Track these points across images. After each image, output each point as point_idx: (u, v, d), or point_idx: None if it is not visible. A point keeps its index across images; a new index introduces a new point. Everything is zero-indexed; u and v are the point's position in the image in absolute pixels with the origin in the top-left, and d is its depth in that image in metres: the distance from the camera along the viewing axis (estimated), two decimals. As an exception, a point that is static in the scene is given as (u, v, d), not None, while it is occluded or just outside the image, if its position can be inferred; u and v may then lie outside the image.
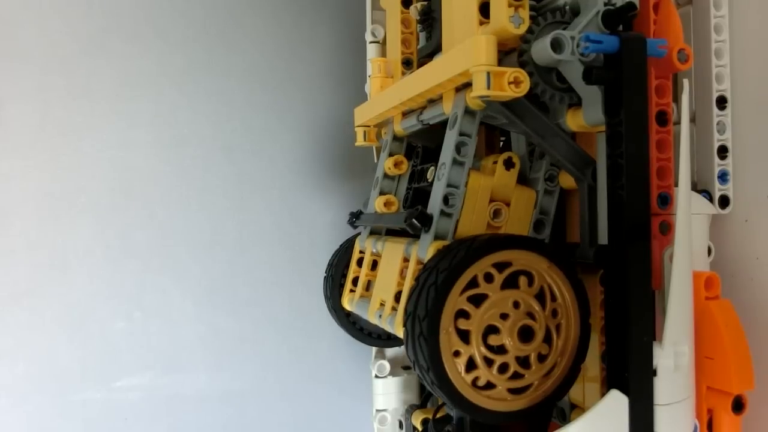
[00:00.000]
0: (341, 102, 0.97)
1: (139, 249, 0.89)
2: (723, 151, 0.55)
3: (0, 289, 0.84)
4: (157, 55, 0.90)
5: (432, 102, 0.56)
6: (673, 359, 0.43)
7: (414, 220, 0.47)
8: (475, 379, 0.42)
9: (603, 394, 0.45)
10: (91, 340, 0.87)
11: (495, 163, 0.51)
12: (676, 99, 0.51)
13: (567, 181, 0.51)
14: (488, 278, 0.43)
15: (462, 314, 0.42)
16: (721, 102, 0.55)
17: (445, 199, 0.48)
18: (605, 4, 0.45)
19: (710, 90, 0.55)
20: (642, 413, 0.42)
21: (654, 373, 0.43)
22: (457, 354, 0.42)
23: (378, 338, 0.70)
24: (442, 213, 0.48)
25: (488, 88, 0.43)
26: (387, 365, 0.73)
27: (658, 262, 0.45)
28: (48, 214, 0.85)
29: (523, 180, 0.51)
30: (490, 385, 0.43)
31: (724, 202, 0.55)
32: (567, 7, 0.47)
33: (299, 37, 0.98)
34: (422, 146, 0.65)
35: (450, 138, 0.49)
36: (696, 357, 0.45)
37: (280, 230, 0.94)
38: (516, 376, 0.43)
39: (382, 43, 0.75)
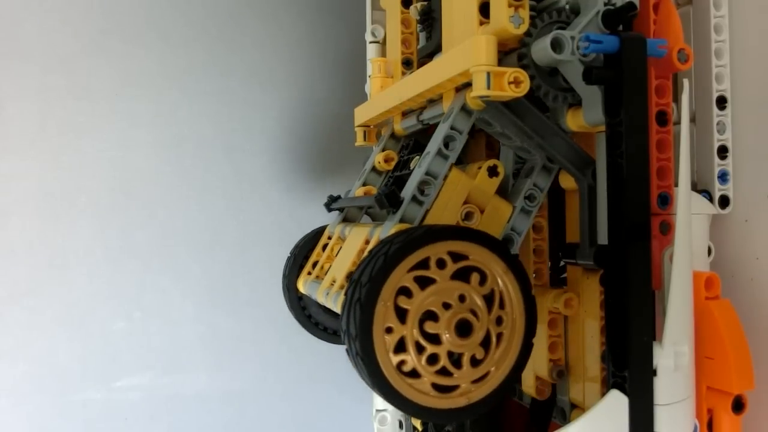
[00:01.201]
0: (341, 102, 0.97)
1: (139, 249, 0.89)
2: (723, 151, 0.55)
3: (0, 289, 0.84)
4: (158, 55, 0.90)
5: (432, 102, 0.56)
6: (673, 359, 0.43)
7: (384, 198, 0.46)
8: (402, 362, 0.41)
9: (603, 394, 0.45)
10: (91, 340, 0.87)
11: (480, 168, 0.51)
12: (676, 99, 0.51)
13: (567, 181, 0.51)
14: (440, 264, 0.41)
15: (404, 292, 0.41)
16: (721, 102, 0.55)
17: (421, 187, 0.47)
18: (605, 4, 0.45)
19: (710, 90, 0.55)
20: (642, 413, 0.42)
21: (654, 373, 0.43)
22: (389, 330, 0.40)
23: (324, 330, 0.68)
24: (414, 199, 0.46)
25: (488, 88, 0.43)
26: (387, 365, 0.73)
27: (658, 262, 0.45)
28: (48, 214, 0.85)
29: (503, 195, 0.51)
30: (415, 374, 0.41)
31: (724, 202, 0.55)
32: (567, 7, 0.47)
33: (299, 37, 0.98)
34: (414, 140, 0.65)
35: (440, 130, 0.48)
36: (696, 357, 0.45)
37: (280, 230, 0.94)
38: (444, 372, 0.41)
39: (382, 43, 0.75)
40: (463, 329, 0.42)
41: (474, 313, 0.42)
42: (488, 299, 0.42)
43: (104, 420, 0.88)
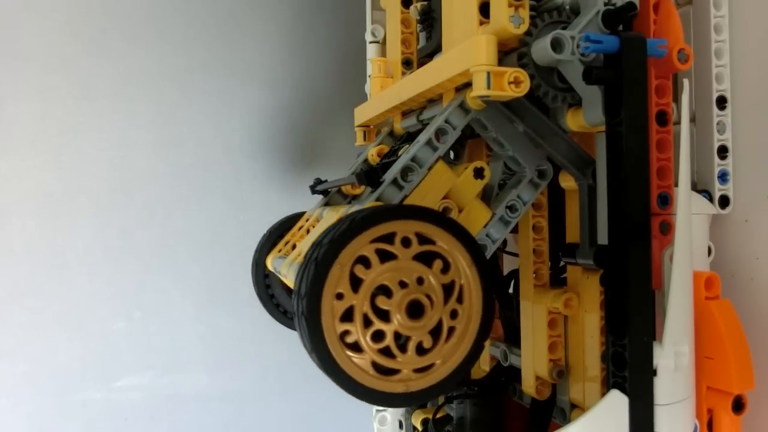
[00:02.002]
0: (341, 102, 0.97)
1: (139, 249, 0.89)
2: (723, 151, 0.55)
3: (0, 289, 0.84)
4: (158, 55, 0.90)
5: (432, 102, 0.56)
6: (673, 359, 0.43)
7: (363, 176, 0.46)
8: (346, 332, 0.40)
9: (603, 394, 0.45)
10: (91, 340, 0.87)
11: (467, 168, 0.51)
12: (676, 99, 0.51)
13: (567, 181, 0.51)
14: (405, 242, 0.41)
15: (363, 261, 0.40)
16: (721, 102, 0.55)
17: (404, 172, 0.46)
18: (605, 4, 0.45)
19: (710, 90, 0.55)
20: (642, 413, 0.42)
21: (654, 373, 0.43)
22: (339, 297, 0.39)
23: (284, 313, 0.68)
24: (395, 182, 0.46)
25: (488, 88, 0.43)
26: (387, 365, 0.73)
27: (658, 262, 0.45)
28: (48, 214, 0.85)
29: (486, 201, 0.50)
30: (357, 347, 0.40)
31: (724, 202, 0.55)
32: (567, 7, 0.47)
33: (299, 38, 0.98)
34: (409, 134, 0.65)
35: (434, 122, 0.48)
36: (696, 357, 0.45)
37: (280, 230, 0.94)
38: (388, 353, 0.40)
39: (382, 43, 0.75)
40: (415, 311, 0.41)
41: (429, 298, 0.41)
42: (447, 289, 0.42)
43: (104, 420, 0.88)
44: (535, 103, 0.47)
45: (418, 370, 0.41)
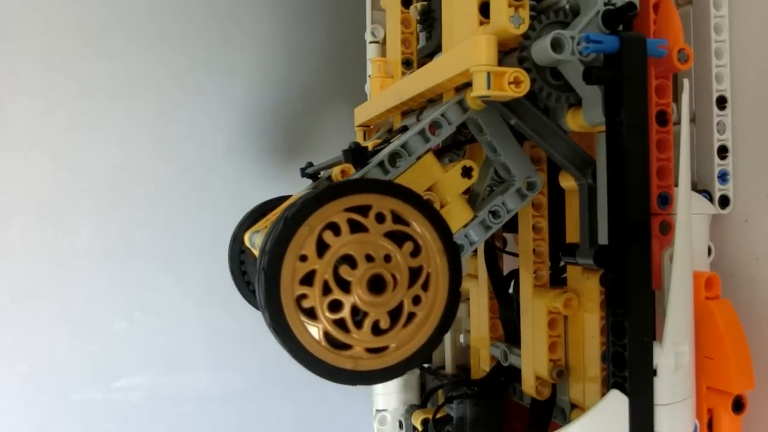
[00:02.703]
0: (341, 102, 0.97)
1: (139, 249, 0.89)
2: (723, 151, 0.55)
3: (0, 289, 0.84)
4: (158, 55, 0.90)
5: (432, 102, 0.56)
6: (673, 359, 0.43)
7: (350, 153, 0.45)
8: (303, 296, 0.39)
9: (603, 394, 0.45)
10: (92, 340, 0.87)
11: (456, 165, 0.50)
12: (676, 99, 0.51)
13: (567, 181, 0.51)
14: (380, 218, 0.40)
15: (333, 228, 0.39)
16: (721, 102, 0.55)
17: (392, 157, 0.46)
18: (605, 4, 0.45)
19: (710, 90, 0.55)
20: (642, 413, 0.42)
21: (654, 373, 0.43)
22: (303, 259, 0.39)
23: (253, 293, 0.67)
24: (381, 165, 0.46)
25: (488, 88, 0.43)
26: (387, 365, 0.73)
27: (658, 262, 0.45)
28: (48, 214, 0.85)
29: (471, 203, 0.50)
30: (312, 313, 0.39)
31: (724, 202, 0.55)
32: (567, 7, 0.47)
33: (299, 38, 0.98)
34: (405, 126, 0.65)
35: (430, 114, 0.48)
36: (696, 357, 0.45)
37: (280, 230, 0.94)
38: (342, 325, 0.39)
39: (382, 43, 0.75)
40: (377, 286, 0.40)
41: (394, 278, 0.40)
42: (414, 273, 0.41)
43: (104, 420, 0.88)
44: (535, 103, 0.47)
45: (370, 350, 0.40)
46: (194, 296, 0.91)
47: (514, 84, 0.43)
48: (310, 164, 0.66)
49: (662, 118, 0.46)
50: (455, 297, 0.42)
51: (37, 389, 0.85)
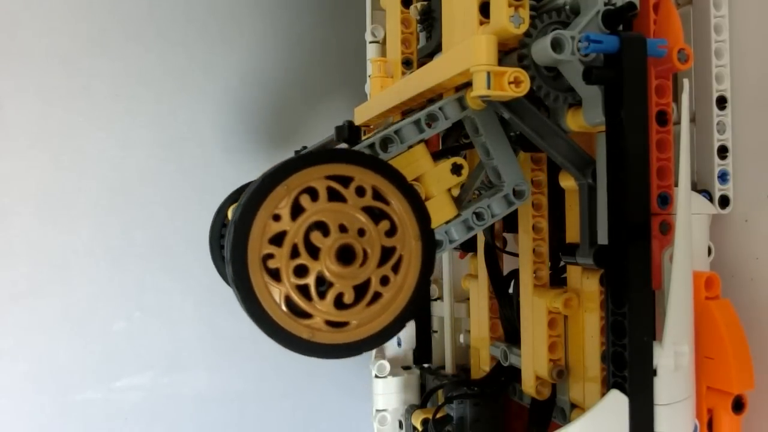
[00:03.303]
0: (341, 102, 0.97)
1: (139, 249, 0.89)
2: (723, 151, 0.55)
3: (0, 289, 0.84)
4: (158, 55, 0.90)
5: (432, 102, 0.56)
6: (673, 359, 0.43)
7: (345, 129, 0.45)
8: (270, 255, 0.38)
9: (603, 394, 0.45)
10: (91, 340, 0.87)
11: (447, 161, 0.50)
12: (676, 99, 0.51)
13: (567, 181, 0.51)
14: (360, 191, 0.40)
15: (311, 193, 0.39)
16: (721, 102, 0.55)
17: (384, 141, 0.46)
18: (605, 4, 0.45)
19: (710, 90, 0.55)
20: (642, 413, 0.42)
21: (654, 373, 0.43)
22: (276, 218, 0.38)
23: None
24: (371, 147, 0.46)
25: (488, 87, 0.43)
26: (387, 365, 0.73)
27: (658, 262, 0.45)
28: (48, 214, 0.85)
29: (457, 202, 0.50)
30: (276, 275, 0.38)
31: (724, 202, 0.55)
32: (567, 7, 0.47)
33: (299, 37, 0.98)
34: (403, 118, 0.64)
35: (427, 107, 0.48)
36: (696, 357, 0.45)
37: (280, 230, 0.95)
38: (305, 292, 0.39)
39: (382, 43, 0.75)
40: (345, 256, 0.39)
41: (365, 252, 0.40)
42: (386, 252, 0.40)
43: (104, 420, 0.88)
44: (535, 103, 0.47)
45: (330, 323, 0.39)
46: (194, 296, 0.91)
47: (514, 84, 0.43)
48: (305, 147, 0.66)
49: (662, 118, 0.46)
50: (424, 285, 0.41)
51: (37, 389, 0.85)
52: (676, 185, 0.44)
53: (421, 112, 0.47)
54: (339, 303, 0.39)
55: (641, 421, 0.42)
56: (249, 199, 0.38)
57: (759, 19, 0.54)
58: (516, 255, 0.59)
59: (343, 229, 0.39)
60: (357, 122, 0.71)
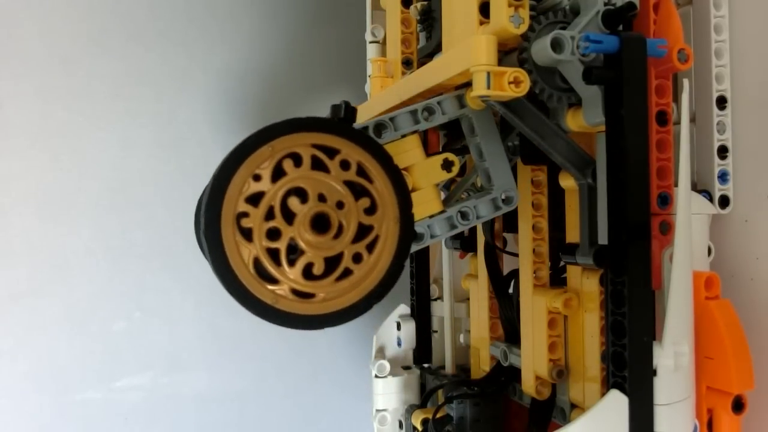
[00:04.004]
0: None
1: (139, 249, 0.89)
2: (723, 151, 0.55)
3: (0, 289, 0.84)
4: (158, 55, 0.90)
5: (432, 102, 0.56)
6: (673, 359, 0.43)
7: (342, 108, 0.44)
8: (245, 214, 0.38)
9: (603, 394, 0.45)
10: (91, 340, 0.87)
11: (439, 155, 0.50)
12: (676, 99, 0.51)
13: (567, 181, 0.51)
14: (344, 165, 0.40)
15: (295, 158, 0.39)
16: (721, 102, 0.55)
17: (378, 126, 0.46)
18: (605, 4, 0.45)
19: (710, 90, 0.55)
20: (642, 413, 0.42)
21: (654, 373, 0.43)
22: (257, 178, 0.38)
23: None
24: (364, 129, 0.45)
25: (488, 87, 0.43)
26: (387, 365, 0.73)
27: (658, 262, 0.45)
28: (48, 214, 0.85)
29: (446, 200, 0.50)
30: (248, 234, 0.38)
31: (724, 202, 0.55)
32: (567, 7, 0.47)
33: (299, 37, 0.98)
34: None
35: (428, 101, 0.48)
36: (696, 357, 0.45)
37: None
38: (275, 257, 0.38)
39: (382, 43, 0.75)
40: (320, 225, 0.39)
41: (341, 225, 0.39)
42: (363, 230, 0.40)
43: (104, 420, 0.88)
44: (535, 103, 0.47)
45: (296, 293, 0.39)
46: (194, 296, 0.91)
47: (514, 84, 0.43)
48: None
49: (662, 118, 0.46)
50: (397, 269, 0.41)
51: (37, 389, 0.85)
52: (676, 185, 0.44)
53: (419, 103, 0.47)
54: (308, 273, 0.39)
55: (641, 421, 0.42)
56: (232, 154, 0.38)
57: (759, 19, 0.54)
58: (516, 255, 0.59)
59: (322, 198, 0.39)
60: (357, 122, 0.71)
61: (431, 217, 0.47)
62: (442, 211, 0.47)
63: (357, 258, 0.40)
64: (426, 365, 0.75)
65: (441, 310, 0.74)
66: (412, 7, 0.65)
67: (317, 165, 0.39)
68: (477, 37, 0.43)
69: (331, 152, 0.40)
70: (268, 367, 0.95)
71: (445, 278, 0.73)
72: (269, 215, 0.38)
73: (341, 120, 0.43)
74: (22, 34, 0.85)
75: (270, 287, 0.39)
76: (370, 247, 0.40)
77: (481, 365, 0.66)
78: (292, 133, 0.39)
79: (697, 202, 0.53)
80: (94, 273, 0.87)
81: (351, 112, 0.43)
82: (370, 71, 0.74)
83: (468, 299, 0.70)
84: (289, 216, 0.39)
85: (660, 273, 0.45)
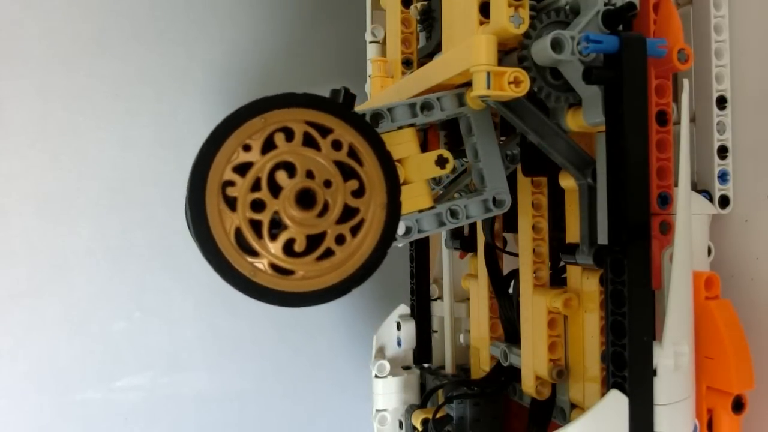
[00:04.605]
0: (341, 102, 0.97)
1: (139, 249, 0.89)
2: (723, 151, 0.55)
3: (0, 289, 0.84)
4: (158, 55, 0.90)
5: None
6: (673, 359, 0.43)
7: (342, 93, 0.44)
8: (231, 182, 0.38)
9: (603, 394, 0.45)
10: (91, 340, 0.87)
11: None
12: (676, 99, 0.51)
13: (567, 181, 0.51)
14: (336, 145, 0.39)
15: (287, 132, 0.39)
16: (721, 102, 0.55)
17: (374, 116, 0.45)
18: (605, 4, 0.45)
19: (710, 90, 0.55)
20: (642, 413, 0.42)
21: (654, 373, 0.43)
22: (246, 148, 0.38)
23: None
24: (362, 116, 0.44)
25: (488, 87, 0.43)
26: (387, 365, 0.73)
27: (658, 262, 0.45)
28: (48, 214, 0.85)
29: (438, 197, 0.49)
30: (232, 203, 0.38)
31: (724, 202, 0.55)
32: (567, 7, 0.47)
33: (299, 37, 0.98)
34: None
35: (427, 96, 0.48)
36: (696, 357, 0.45)
37: (280, 230, 0.94)
38: (257, 229, 0.38)
39: (382, 43, 0.75)
40: (305, 201, 0.39)
41: (326, 203, 0.39)
42: (348, 212, 0.40)
43: (104, 420, 0.88)
44: (535, 103, 0.47)
45: (275, 268, 0.38)
46: (194, 296, 0.91)
47: (514, 84, 0.43)
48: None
49: (662, 118, 0.46)
50: (380, 255, 0.40)
51: (37, 389, 0.85)
52: (676, 185, 0.44)
53: (417, 99, 0.47)
54: (289, 249, 0.38)
55: (641, 421, 0.42)
56: (224, 122, 0.38)
57: (759, 19, 0.54)
58: (516, 255, 0.59)
59: (310, 175, 0.39)
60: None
61: (420, 211, 0.46)
62: (432, 207, 0.47)
63: (340, 239, 0.40)
64: (426, 365, 0.75)
65: (441, 310, 0.74)
66: (412, 7, 0.65)
67: (309, 142, 0.39)
68: (477, 37, 0.43)
69: (324, 131, 0.39)
70: (268, 367, 0.95)
71: (445, 278, 0.73)
72: (255, 186, 0.38)
73: (341, 101, 0.43)
74: (22, 34, 0.85)
75: (249, 259, 0.38)
76: (355, 230, 0.40)
77: (481, 365, 0.66)
78: (286, 108, 0.39)
79: (697, 202, 0.53)
80: (94, 273, 0.87)
81: (350, 98, 0.43)
82: (370, 71, 0.74)
83: (468, 299, 0.70)
84: (275, 189, 0.38)
85: (660, 273, 0.45)
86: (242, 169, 0.38)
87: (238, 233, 0.38)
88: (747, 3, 0.54)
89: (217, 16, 0.94)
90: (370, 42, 0.77)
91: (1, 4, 0.84)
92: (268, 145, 0.38)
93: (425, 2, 0.64)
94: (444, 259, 0.73)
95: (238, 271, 0.38)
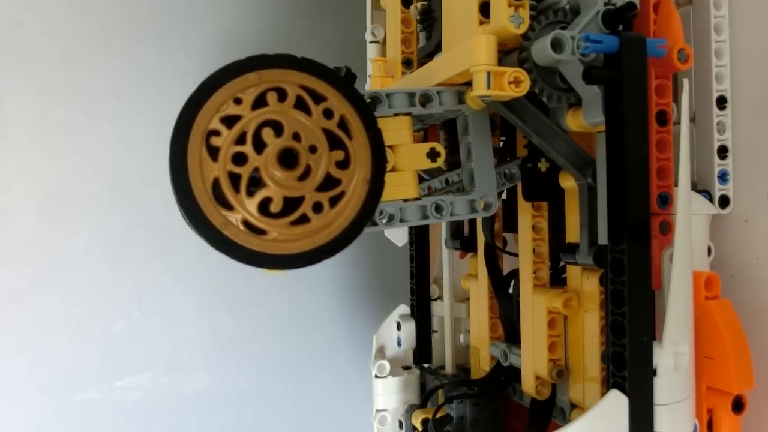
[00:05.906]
0: (341, 102, 0.97)
1: (139, 249, 0.89)
2: (723, 151, 0.55)
3: (0, 289, 0.84)
4: (158, 55, 0.90)
5: (432, 102, 0.56)
6: (673, 359, 0.43)
7: (343, 70, 0.44)
8: (216, 132, 0.38)
9: (603, 394, 0.45)
10: (92, 340, 0.87)
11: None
12: (676, 99, 0.51)
13: (567, 181, 0.51)
14: (327, 113, 0.39)
15: (280, 93, 0.39)
16: (721, 102, 0.55)
17: (373, 100, 0.45)
18: (605, 4, 0.45)
19: (710, 90, 0.55)
20: (642, 413, 0.42)
21: (654, 373, 0.43)
22: (237, 101, 0.38)
23: None
24: None
25: (488, 87, 0.43)
26: (387, 365, 0.73)
27: (658, 262, 0.45)
28: (48, 214, 0.85)
29: (428, 191, 0.49)
30: (215, 153, 0.38)
31: (724, 202, 0.55)
32: (567, 7, 0.47)
33: (299, 37, 0.98)
34: None
35: (427, 89, 0.48)
36: (696, 357, 0.45)
37: (280, 230, 0.94)
38: (236, 181, 0.38)
39: (382, 43, 0.75)
40: (287, 161, 0.39)
41: (308, 167, 0.39)
42: (330, 181, 0.40)
43: (104, 420, 0.88)
44: (535, 103, 0.47)
45: (247, 225, 0.38)
46: (194, 296, 0.91)
47: (514, 84, 0.43)
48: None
49: (662, 118, 0.46)
50: (356, 230, 0.40)
51: (37, 389, 0.85)
52: (676, 185, 0.44)
53: (417, 90, 0.47)
54: (264, 208, 0.38)
55: (641, 421, 0.42)
56: (218, 72, 0.38)
57: (759, 19, 0.54)
58: (516, 255, 0.59)
59: (296, 137, 0.39)
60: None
61: (405, 201, 0.46)
62: (417, 199, 0.46)
63: (317, 207, 0.39)
64: (426, 365, 0.75)
65: (441, 310, 0.74)
66: (412, 7, 0.65)
67: (300, 105, 0.39)
68: (477, 37, 0.43)
69: (318, 98, 0.39)
70: (268, 367, 0.95)
71: (445, 278, 0.73)
72: (240, 140, 0.38)
73: (341, 76, 0.43)
74: (22, 34, 0.85)
75: (223, 212, 0.38)
76: (334, 201, 0.40)
77: (481, 365, 0.66)
78: (283, 69, 0.39)
79: (697, 202, 0.53)
80: (95, 273, 0.87)
81: (351, 76, 0.43)
82: (370, 71, 0.74)
83: (468, 299, 0.70)
84: (259, 145, 0.38)
85: (660, 273, 0.45)
86: (230, 120, 0.38)
87: (216, 184, 0.38)
88: (747, 3, 0.54)
89: (217, 16, 0.94)
90: (370, 42, 0.77)
91: (1, 4, 0.84)
92: (259, 102, 0.38)
93: (425, 2, 0.64)
94: (444, 259, 0.73)
95: (209, 221, 0.38)
